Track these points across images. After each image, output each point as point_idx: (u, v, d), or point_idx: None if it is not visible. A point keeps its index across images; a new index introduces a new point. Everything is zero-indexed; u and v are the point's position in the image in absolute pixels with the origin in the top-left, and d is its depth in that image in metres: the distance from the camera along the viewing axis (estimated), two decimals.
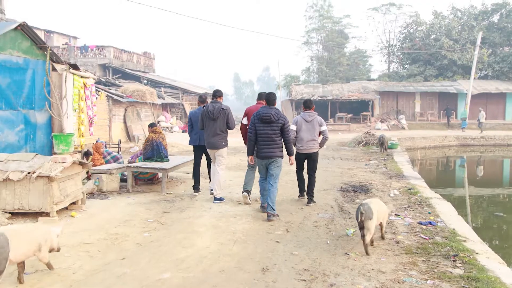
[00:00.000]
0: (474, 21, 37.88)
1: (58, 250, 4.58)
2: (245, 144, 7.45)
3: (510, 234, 8.62)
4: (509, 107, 33.64)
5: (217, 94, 7.87)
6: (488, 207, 10.74)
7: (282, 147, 6.79)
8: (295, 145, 7.62)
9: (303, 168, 7.94)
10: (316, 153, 7.74)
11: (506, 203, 11.19)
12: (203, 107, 7.84)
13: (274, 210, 6.56)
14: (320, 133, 7.73)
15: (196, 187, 8.48)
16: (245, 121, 7.57)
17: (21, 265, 4.11)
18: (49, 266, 4.35)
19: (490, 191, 12.65)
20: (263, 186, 6.96)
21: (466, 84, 32.42)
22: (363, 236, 5.01)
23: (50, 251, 4.41)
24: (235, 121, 8.21)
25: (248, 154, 6.97)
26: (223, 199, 7.72)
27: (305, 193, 7.82)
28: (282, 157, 6.82)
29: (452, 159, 21.21)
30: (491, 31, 37.21)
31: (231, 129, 7.74)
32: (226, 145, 7.74)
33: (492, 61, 36.07)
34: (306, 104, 7.89)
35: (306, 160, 7.78)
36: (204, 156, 8.44)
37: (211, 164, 8.01)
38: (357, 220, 5.09)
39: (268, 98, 6.89)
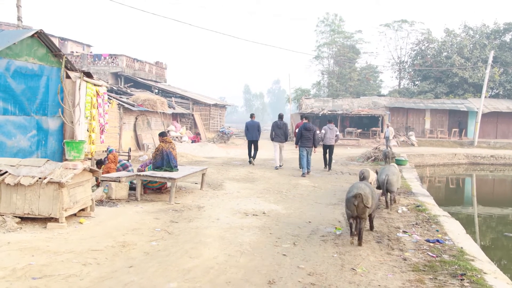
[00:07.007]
0: (486, 40, 37.80)
1: None
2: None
3: None
4: None
5: (282, 115, 14.81)
6: (497, 227, 10.63)
7: (312, 142, 13.09)
8: (322, 141, 14.60)
9: (326, 152, 14.76)
10: (333, 145, 14.72)
11: None
12: (274, 122, 14.52)
13: (309, 170, 13.30)
14: (336, 135, 14.68)
15: (250, 161, 15.19)
16: (297, 131, 13.81)
17: None
18: None
19: (499, 210, 12.52)
20: (304, 162, 13.06)
21: (477, 102, 32.26)
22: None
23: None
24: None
25: (296, 144, 13.56)
26: (282, 166, 14.51)
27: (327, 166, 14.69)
28: (312, 147, 13.18)
29: (461, 177, 21.04)
30: (503, 50, 37.13)
31: (286, 135, 14.26)
32: (284, 141, 14.25)
33: (504, 80, 35.95)
34: (329, 120, 15.32)
35: (327, 148, 14.65)
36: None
37: (275, 151, 14.46)
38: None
39: (308, 118, 13.77)
